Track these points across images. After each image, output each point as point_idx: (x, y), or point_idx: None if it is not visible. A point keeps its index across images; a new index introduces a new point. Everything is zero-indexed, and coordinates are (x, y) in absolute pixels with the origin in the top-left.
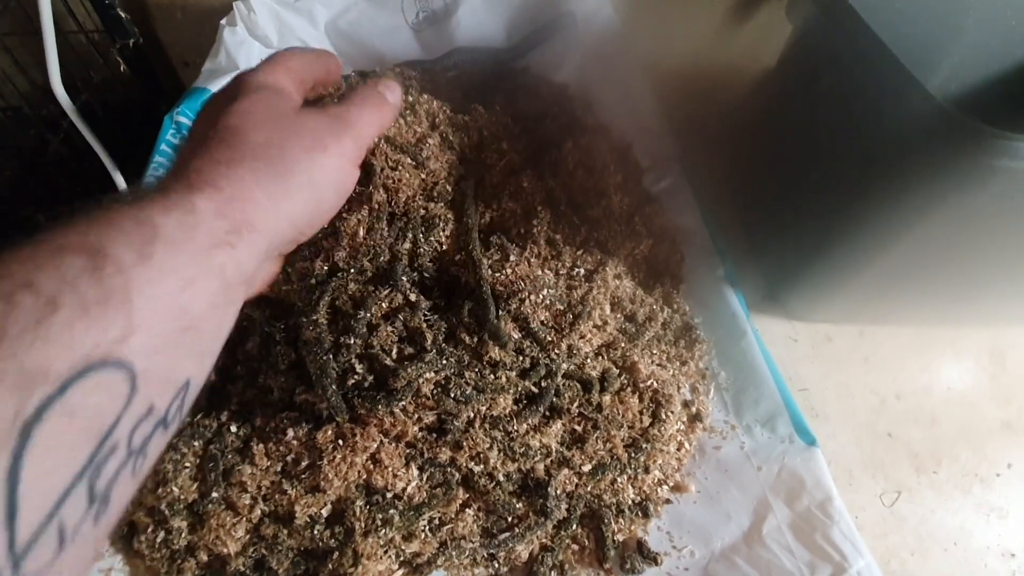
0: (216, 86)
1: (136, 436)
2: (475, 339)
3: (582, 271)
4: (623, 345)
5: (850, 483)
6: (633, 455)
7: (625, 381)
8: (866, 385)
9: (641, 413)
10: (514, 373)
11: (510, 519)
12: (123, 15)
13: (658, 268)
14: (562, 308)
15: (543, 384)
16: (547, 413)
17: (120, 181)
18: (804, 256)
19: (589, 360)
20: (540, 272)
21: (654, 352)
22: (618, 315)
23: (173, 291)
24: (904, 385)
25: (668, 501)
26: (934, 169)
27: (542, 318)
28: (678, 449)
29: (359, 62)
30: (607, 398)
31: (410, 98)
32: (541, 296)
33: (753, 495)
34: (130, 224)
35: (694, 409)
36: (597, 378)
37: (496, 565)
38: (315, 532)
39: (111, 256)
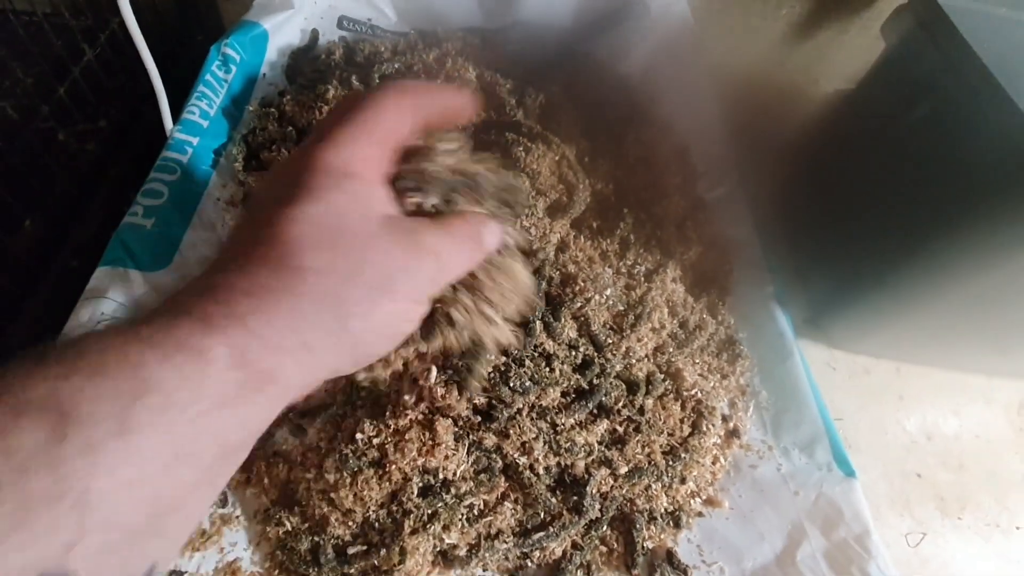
0: (270, 23)
1: None
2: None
3: (643, 269)
4: (671, 350)
5: (877, 518)
6: (671, 463)
7: (669, 387)
8: (898, 422)
9: (682, 421)
10: (568, 367)
11: (544, 516)
12: None
13: (705, 277)
14: (623, 309)
15: (595, 381)
16: (595, 411)
17: (166, 109)
18: (856, 286)
19: (637, 362)
20: (602, 269)
21: (697, 361)
22: (672, 319)
23: (151, 475)
24: (935, 427)
25: (700, 514)
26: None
27: (603, 319)
28: (713, 463)
29: (416, 20)
30: (650, 402)
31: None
32: (605, 296)
33: (788, 519)
34: (117, 371)
35: (731, 425)
36: (643, 380)
37: (529, 565)
38: (371, 514)
39: (81, 424)
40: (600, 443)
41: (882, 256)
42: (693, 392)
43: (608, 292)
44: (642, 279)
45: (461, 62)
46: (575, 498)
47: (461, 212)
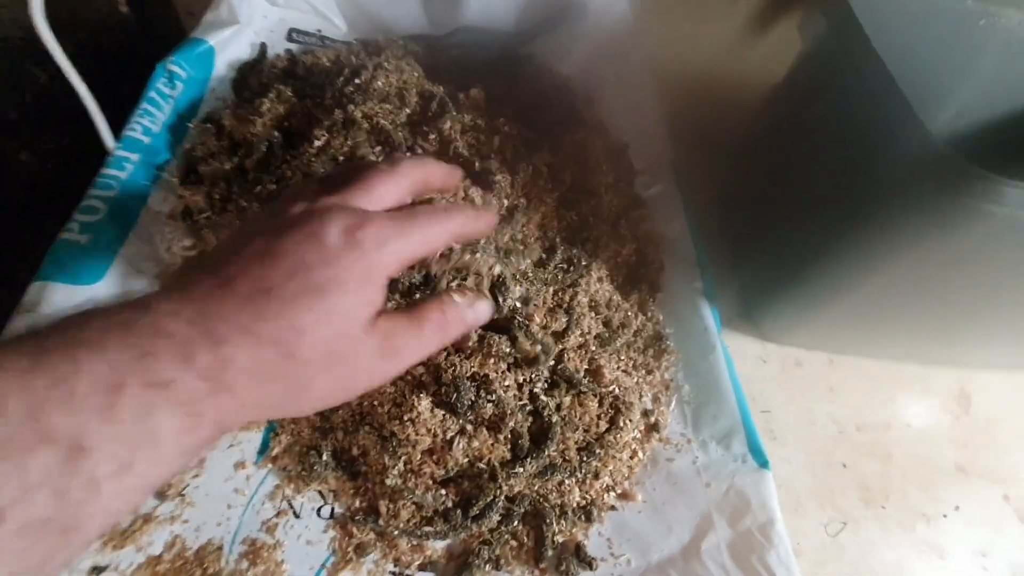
0: (216, 39)
1: None
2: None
3: (569, 269)
4: (593, 348)
5: (797, 509)
6: (585, 459)
7: (588, 384)
8: (829, 414)
9: (599, 418)
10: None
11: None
12: None
13: (637, 274)
14: (551, 306)
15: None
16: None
17: (103, 128)
18: (783, 278)
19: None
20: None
21: (622, 358)
22: (596, 319)
23: (125, 504)
24: (866, 418)
25: (613, 508)
26: (921, 205)
27: (539, 320)
28: (631, 457)
29: (364, 29)
30: (567, 399)
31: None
32: (543, 297)
33: (698, 511)
34: (130, 413)
35: (653, 419)
36: (564, 380)
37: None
38: None
39: (92, 457)
40: None
41: (807, 247)
42: (611, 389)
43: (543, 291)
44: (566, 282)
45: (405, 67)
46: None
47: (438, 298)
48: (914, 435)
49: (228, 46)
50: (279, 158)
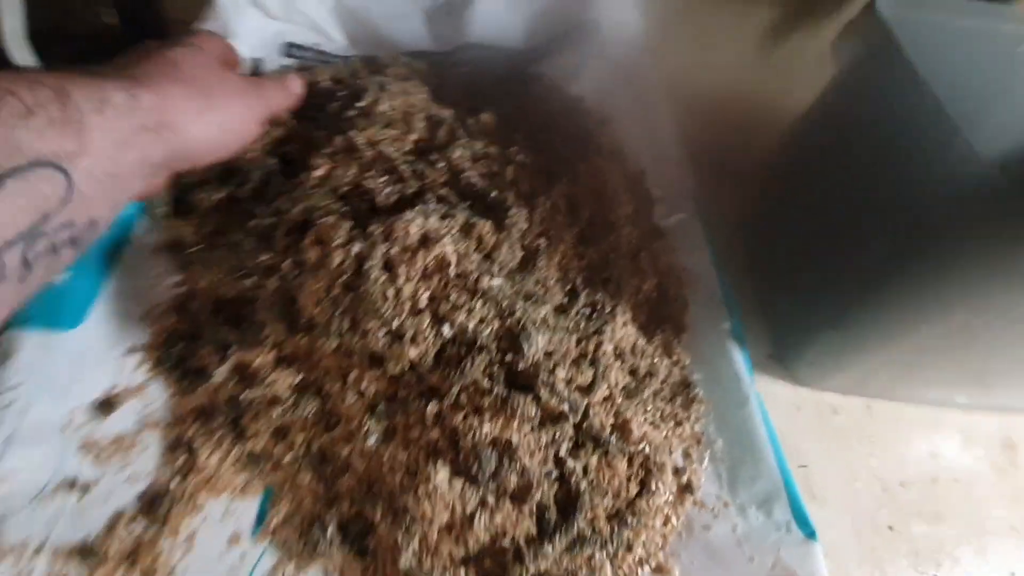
0: None
1: (58, 236)
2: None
3: (592, 315)
4: (619, 400)
5: None
6: (616, 529)
7: (617, 443)
8: (870, 468)
9: (629, 480)
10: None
11: None
12: None
13: (660, 313)
14: (575, 357)
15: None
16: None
17: None
18: (823, 319)
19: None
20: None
21: (648, 408)
22: (623, 368)
23: (113, 143)
24: (910, 472)
25: None
26: (979, 235)
27: (563, 375)
28: (664, 524)
29: (364, 44)
30: (593, 460)
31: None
32: (566, 347)
33: None
34: (89, 85)
35: (685, 478)
36: (590, 438)
37: None
38: None
39: (73, 99)
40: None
41: (851, 288)
42: (641, 447)
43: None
44: (591, 325)
45: (411, 88)
46: None
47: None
48: (962, 492)
49: None
50: (276, 187)
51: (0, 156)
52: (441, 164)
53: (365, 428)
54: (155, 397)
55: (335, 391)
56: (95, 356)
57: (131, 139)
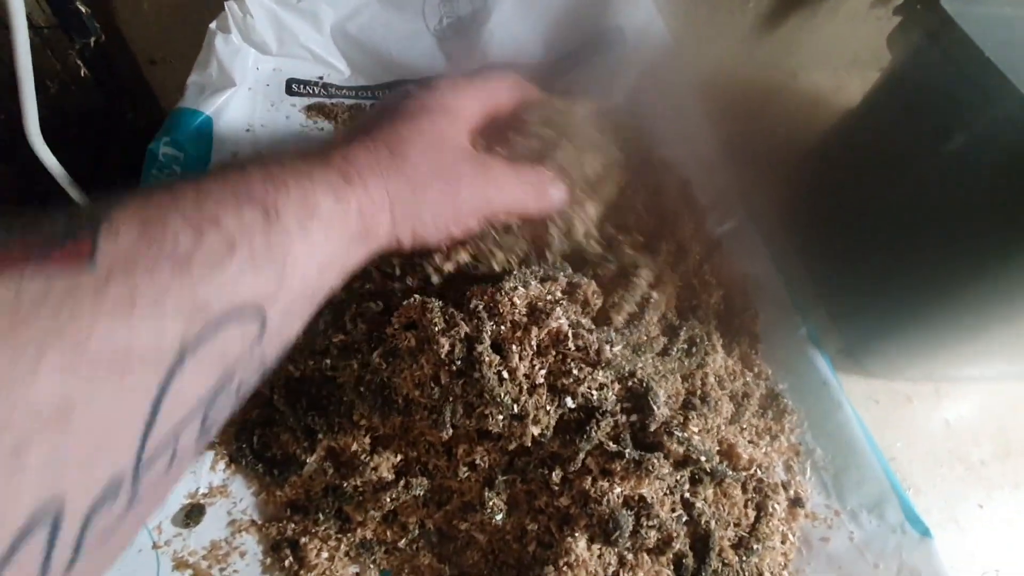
0: (209, 108)
1: (245, 379)
2: None
3: (691, 350)
4: (722, 426)
5: (951, 564)
6: (744, 557)
7: (733, 474)
8: (951, 451)
9: (746, 506)
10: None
11: None
12: (83, 9)
13: (732, 326)
14: (684, 397)
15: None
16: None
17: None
18: (901, 313)
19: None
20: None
21: (744, 427)
22: (722, 395)
23: (316, 265)
24: (987, 450)
25: None
26: None
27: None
28: (783, 542)
29: (372, 72)
30: (710, 492)
31: None
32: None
33: None
34: (297, 194)
35: (792, 492)
36: (706, 472)
37: None
38: None
39: (281, 220)
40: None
41: (919, 278)
42: (752, 471)
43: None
44: (693, 365)
45: None
46: None
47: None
48: None
49: (224, 112)
50: None
51: (187, 318)
52: None
53: (491, 503)
54: (240, 495)
55: (442, 466)
56: None
57: (334, 257)
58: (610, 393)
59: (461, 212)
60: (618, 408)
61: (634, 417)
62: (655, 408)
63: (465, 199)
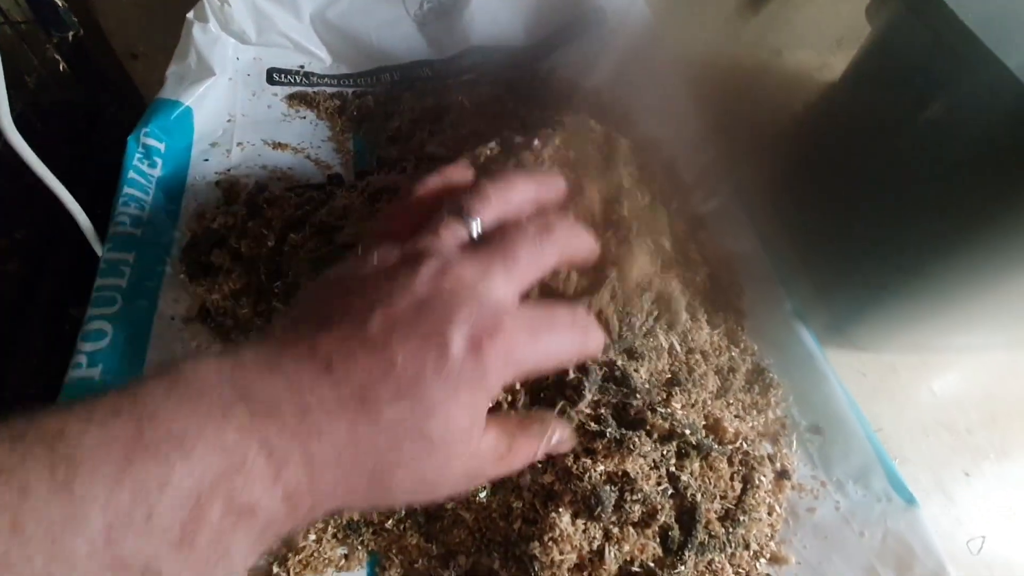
0: (192, 97)
1: None
2: None
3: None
4: (708, 403)
5: (937, 532)
6: (731, 529)
7: (719, 447)
8: (938, 421)
9: (732, 479)
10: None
11: None
12: (60, 3)
13: (717, 302)
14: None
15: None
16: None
17: (90, 234)
18: (888, 285)
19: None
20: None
21: (730, 402)
22: (707, 368)
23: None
24: (973, 418)
25: None
26: None
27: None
28: (769, 513)
29: (353, 60)
30: (696, 465)
31: None
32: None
33: (859, 565)
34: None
35: (778, 465)
36: (692, 446)
37: None
38: None
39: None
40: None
41: (904, 249)
42: (738, 444)
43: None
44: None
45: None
46: None
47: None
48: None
49: (204, 102)
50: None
51: None
52: None
53: None
54: None
55: None
56: None
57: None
58: (594, 375)
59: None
60: (597, 388)
61: (615, 398)
62: (635, 387)
63: (440, 492)
